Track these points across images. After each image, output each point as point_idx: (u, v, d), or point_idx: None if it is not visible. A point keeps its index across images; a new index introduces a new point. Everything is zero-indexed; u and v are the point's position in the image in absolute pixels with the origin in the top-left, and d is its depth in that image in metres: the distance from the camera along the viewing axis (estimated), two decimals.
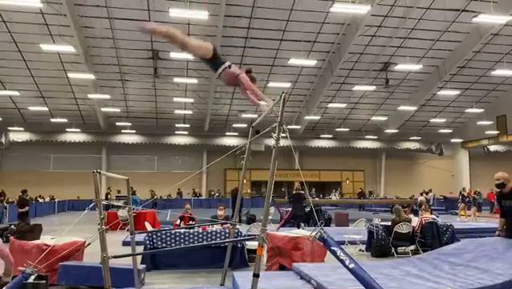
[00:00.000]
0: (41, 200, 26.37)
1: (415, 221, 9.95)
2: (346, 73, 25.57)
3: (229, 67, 4.53)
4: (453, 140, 35.22)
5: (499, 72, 24.25)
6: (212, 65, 4.59)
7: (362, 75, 25.61)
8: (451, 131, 34.65)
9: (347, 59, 23.50)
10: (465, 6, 20.18)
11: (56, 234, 8.45)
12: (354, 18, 20.58)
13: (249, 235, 8.22)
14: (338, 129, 32.73)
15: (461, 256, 5.79)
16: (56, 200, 27.02)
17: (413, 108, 29.15)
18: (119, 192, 23.83)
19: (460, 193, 22.04)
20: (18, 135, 30.22)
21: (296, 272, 6.04)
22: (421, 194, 21.52)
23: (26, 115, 28.98)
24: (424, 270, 5.58)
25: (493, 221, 13.48)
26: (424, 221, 9.66)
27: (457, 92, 27.30)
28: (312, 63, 22.32)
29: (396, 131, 33.05)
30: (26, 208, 12.88)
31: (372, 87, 26.02)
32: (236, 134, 31.78)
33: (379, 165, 37.63)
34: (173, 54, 20.54)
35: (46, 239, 6.97)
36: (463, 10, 20.41)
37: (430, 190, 26.53)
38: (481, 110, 30.09)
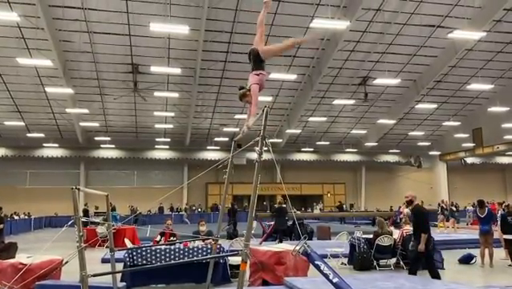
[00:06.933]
0: (16, 217, 25.61)
1: (396, 233, 10.00)
2: (326, 87, 25.87)
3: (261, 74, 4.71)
4: (431, 153, 35.87)
5: (474, 86, 24.89)
6: (259, 65, 4.74)
7: (341, 90, 25.95)
8: (429, 143, 35.32)
9: (326, 73, 23.82)
10: (440, 22, 20.74)
11: (33, 252, 8.19)
12: (333, 34, 20.92)
13: (231, 250, 8.10)
14: (318, 142, 32.98)
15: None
16: (32, 217, 26.28)
17: (392, 122, 29.65)
18: (97, 208, 23.35)
19: (439, 205, 22.27)
20: None
21: (288, 287, 5.96)
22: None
23: (2, 130, 28.37)
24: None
25: (473, 233, 13.68)
26: (405, 234, 9.71)
27: (434, 106, 27.92)
28: (292, 77, 22.49)
29: (376, 144, 33.49)
30: (1, 225, 12.48)
31: (352, 101, 26.39)
32: (217, 148, 31.69)
33: (359, 178, 37.95)
34: (154, 68, 20.41)
35: (21, 258, 6.74)
36: (438, 26, 20.97)
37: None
38: (458, 123, 30.82)
